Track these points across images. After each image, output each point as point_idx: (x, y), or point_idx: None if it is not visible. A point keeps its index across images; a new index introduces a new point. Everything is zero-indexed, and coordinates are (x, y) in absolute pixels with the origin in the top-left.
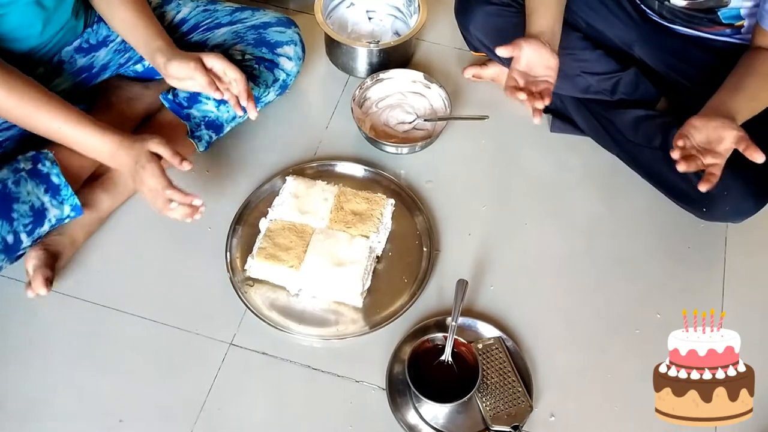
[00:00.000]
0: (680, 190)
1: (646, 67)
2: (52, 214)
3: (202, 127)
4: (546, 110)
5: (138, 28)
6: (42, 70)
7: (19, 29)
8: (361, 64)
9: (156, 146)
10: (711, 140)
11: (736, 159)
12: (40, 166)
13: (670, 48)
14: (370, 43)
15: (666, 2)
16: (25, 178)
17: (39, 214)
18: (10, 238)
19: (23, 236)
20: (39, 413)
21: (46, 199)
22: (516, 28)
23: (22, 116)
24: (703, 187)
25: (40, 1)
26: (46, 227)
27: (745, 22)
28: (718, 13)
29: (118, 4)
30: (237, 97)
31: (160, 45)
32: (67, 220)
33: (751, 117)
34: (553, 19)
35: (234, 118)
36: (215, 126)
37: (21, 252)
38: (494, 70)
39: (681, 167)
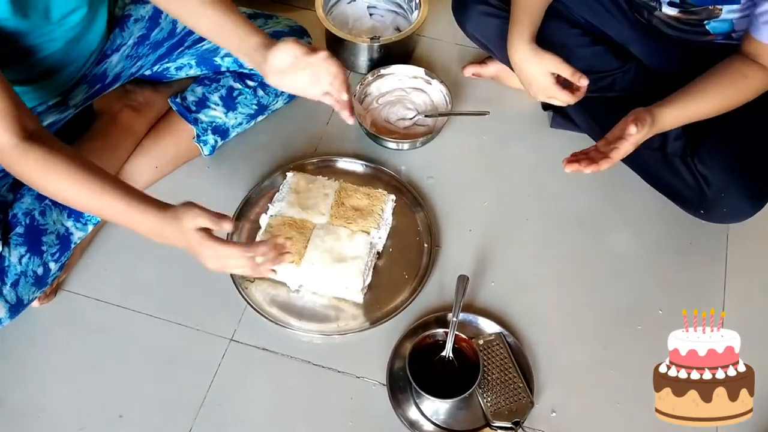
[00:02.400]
0: (678, 191)
1: (643, 65)
2: (77, 236)
3: (209, 132)
4: (546, 107)
5: (225, 28)
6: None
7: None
8: (362, 59)
9: (195, 222)
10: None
11: (734, 161)
12: None
13: (664, 49)
14: (371, 38)
15: (655, 12)
16: (50, 206)
17: (65, 240)
18: (40, 271)
19: (51, 264)
20: (39, 408)
21: (69, 224)
22: None
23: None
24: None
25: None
26: (71, 251)
27: (734, 34)
28: (707, 27)
29: (203, 6)
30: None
31: (251, 45)
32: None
33: (686, 120)
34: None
35: (241, 124)
36: (221, 131)
37: (51, 279)
38: (494, 68)
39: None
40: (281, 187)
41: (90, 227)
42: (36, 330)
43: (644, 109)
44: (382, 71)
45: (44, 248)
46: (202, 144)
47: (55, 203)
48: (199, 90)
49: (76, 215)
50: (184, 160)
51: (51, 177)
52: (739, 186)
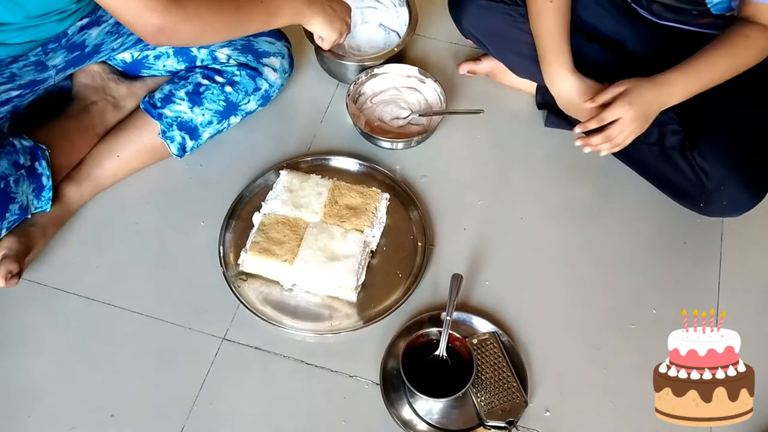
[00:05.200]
0: (678, 186)
1: (640, 60)
2: (30, 211)
3: (175, 127)
4: (540, 106)
5: None
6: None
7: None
8: (351, 75)
9: None
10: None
11: (732, 153)
12: (36, 164)
13: (661, 43)
14: (356, 56)
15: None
16: (24, 176)
17: (23, 212)
18: None
19: (3, 231)
20: (30, 408)
21: (31, 198)
22: (509, 23)
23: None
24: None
25: None
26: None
27: (735, 13)
28: (708, 5)
29: None
30: None
31: None
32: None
33: (697, 88)
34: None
35: (211, 123)
36: (189, 129)
37: None
38: (489, 65)
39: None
40: (274, 185)
41: (39, 206)
42: (26, 328)
43: (639, 79)
44: (376, 71)
45: (7, 215)
46: (168, 141)
47: (28, 174)
48: (167, 87)
49: (38, 191)
50: (151, 156)
51: (206, 20)
52: (739, 178)
